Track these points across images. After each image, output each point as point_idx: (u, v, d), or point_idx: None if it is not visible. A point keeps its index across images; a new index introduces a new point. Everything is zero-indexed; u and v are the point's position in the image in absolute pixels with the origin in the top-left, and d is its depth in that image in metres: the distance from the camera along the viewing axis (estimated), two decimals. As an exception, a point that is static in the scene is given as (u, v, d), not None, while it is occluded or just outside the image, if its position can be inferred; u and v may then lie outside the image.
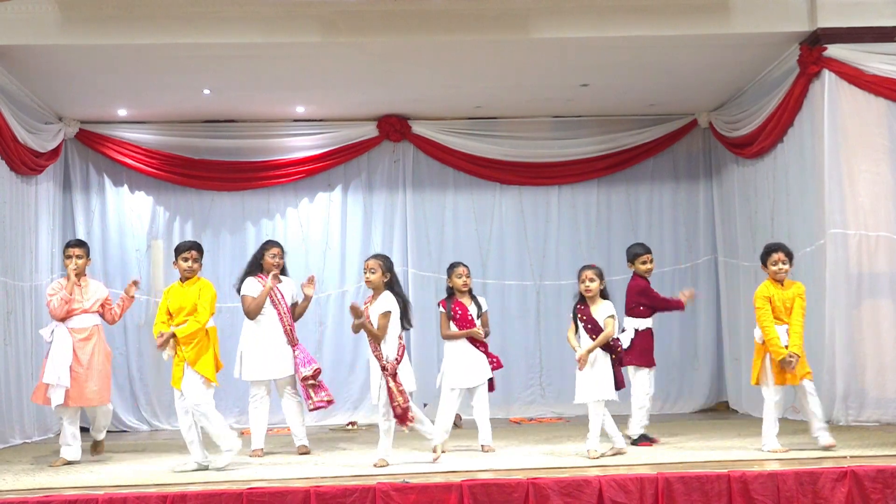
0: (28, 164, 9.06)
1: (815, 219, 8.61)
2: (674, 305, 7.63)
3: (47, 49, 8.30)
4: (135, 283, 7.57)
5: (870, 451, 6.35)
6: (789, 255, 6.78)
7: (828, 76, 8.41)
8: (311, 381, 7.45)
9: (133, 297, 7.55)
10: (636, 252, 7.65)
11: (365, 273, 6.52)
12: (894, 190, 8.34)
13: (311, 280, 7.71)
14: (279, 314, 7.54)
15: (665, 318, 10.78)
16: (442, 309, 7.46)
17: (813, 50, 8.43)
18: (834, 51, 8.35)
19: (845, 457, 6.16)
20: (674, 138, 10.97)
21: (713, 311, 10.91)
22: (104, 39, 8.22)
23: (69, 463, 7.08)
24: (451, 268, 7.55)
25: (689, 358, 10.86)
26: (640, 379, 7.42)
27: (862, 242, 8.26)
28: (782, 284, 6.74)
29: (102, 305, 7.45)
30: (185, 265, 6.57)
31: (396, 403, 6.30)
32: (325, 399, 7.50)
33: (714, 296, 10.93)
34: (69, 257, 7.37)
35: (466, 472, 5.98)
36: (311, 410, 7.62)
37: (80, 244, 7.51)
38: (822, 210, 8.44)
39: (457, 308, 7.41)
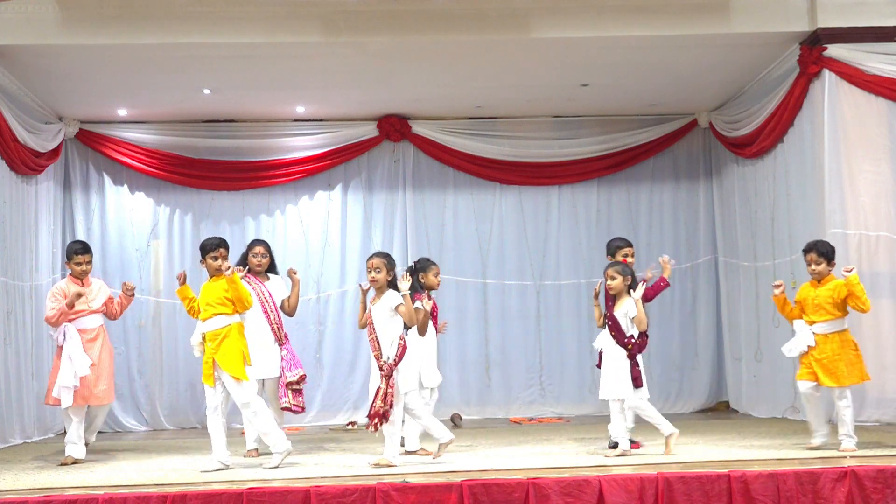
0: (28, 163, 9.06)
1: (815, 219, 8.60)
2: (655, 291, 7.05)
3: (47, 49, 8.29)
4: (132, 287, 7.57)
5: (870, 451, 6.35)
6: (821, 254, 6.77)
7: (828, 76, 8.40)
8: (294, 387, 7.42)
9: (132, 296, 7.56)
10: (618, 245, 7.30)
11: (369, 272, 6.38)
12: (895, 189, 8.33)
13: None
14: (266, 312, 7.44)
15: (665, 318, 10.85)
16: (424, 302, 6.85)
17: (813, 50, 8.43)
18: (834, 51, 8.35)
19: (845, 457, 6.16)
20: (674, 138, 10.96)
21: (713, 311, 10.90)
22: (104, 39, 8.22)
23: (77, 461, 7.09)
24: (429, 265, 7.23)
25: (689, 358, 10.86)
26: None
27: (862, 242, 8.25)
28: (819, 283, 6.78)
29: (105, 304, 7.48)
30: (215, 264, 6.52)
31: (376, 405, 6.20)
32: (299, 406, 7.41)
33: (714, 296, 10.92)
34: (79, 264, 7.35)
35: (466, 472, 5.97)
36: (282, 409, 7.48)
37: (88, 250, 7.48)
38: (822, 210, 8.43)
39: (435, 305, 7.26)
